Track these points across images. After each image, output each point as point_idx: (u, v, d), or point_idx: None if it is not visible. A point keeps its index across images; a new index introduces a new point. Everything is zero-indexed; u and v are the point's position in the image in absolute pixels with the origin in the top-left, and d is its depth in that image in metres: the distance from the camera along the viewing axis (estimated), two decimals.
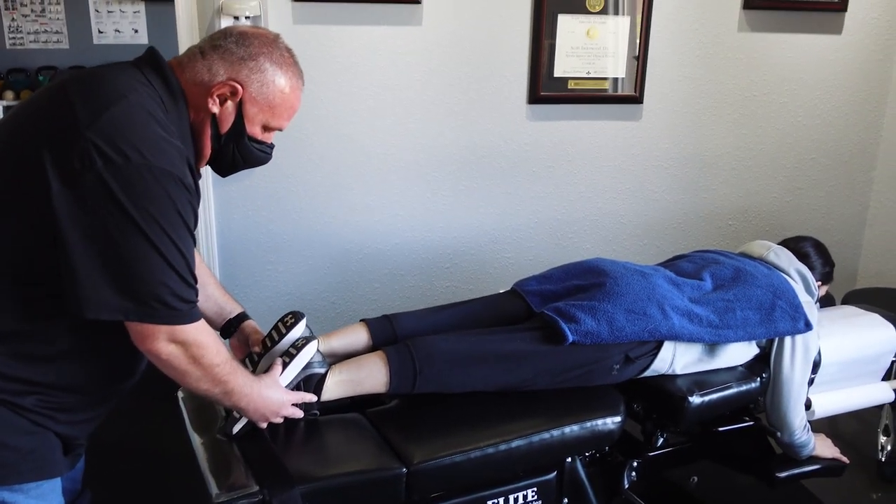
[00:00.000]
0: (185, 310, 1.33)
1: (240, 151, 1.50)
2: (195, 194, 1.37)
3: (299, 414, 1.67)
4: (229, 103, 1.45)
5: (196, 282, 1.37)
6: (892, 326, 2.34)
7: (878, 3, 3.11)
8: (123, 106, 1.29)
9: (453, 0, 2.74)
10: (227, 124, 1.46)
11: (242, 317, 1.84)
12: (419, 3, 2.69)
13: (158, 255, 1.27)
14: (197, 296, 1.37)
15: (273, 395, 1.61)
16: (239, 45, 1.44)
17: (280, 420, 1.65)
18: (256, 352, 1.74)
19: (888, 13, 3.13)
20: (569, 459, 1.90)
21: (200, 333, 1.38)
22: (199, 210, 2.75)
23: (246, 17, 2.48)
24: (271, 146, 1.56)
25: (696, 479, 2.37)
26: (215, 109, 1.44)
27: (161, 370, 1.40)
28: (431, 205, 2.93)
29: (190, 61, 1.44)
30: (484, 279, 3.06)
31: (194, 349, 1.37)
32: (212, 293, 1.80)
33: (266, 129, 1.52)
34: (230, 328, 1.82)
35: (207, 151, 1.49)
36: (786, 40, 3.07)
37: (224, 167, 1.55)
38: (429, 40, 2.76)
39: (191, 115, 1.44)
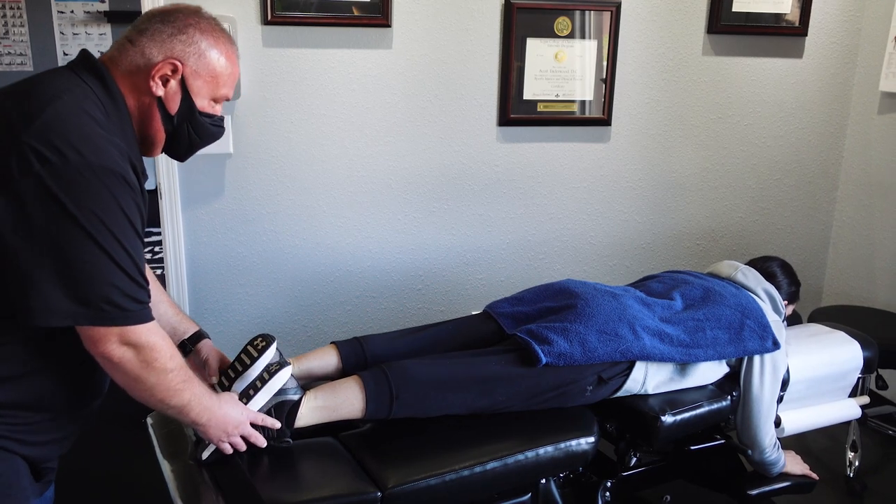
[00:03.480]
0: (136, 310, 1.30)
1: (194, 129, 1.48)
2: (140, 193, 1.34)
3: (261, 440, 1.63)
4: (172, 82, 1.42)
5: (147, 283, 1.33)
6: (857, 344, 2.38)
7: (837, 27, 3.20)
8: (58, 106, 1.26)
9: (423, 24, 2.76)
10: (175, 104, 1.43)
11: (198, 336, 1.76)
12: (389, 26, 2.71)
13: (105, 255, 1.24)
14: (149, 297, 1.34)
15: (232, 412, 1.57)
16: (165, 23, 1.42)
17: (239, 440, 1.60)
18: (220, 381, 1.70)
19: (847, 37, 3.22)
20: (543, 481, 1.90)
21: (153, 335, 1.34)
22: (168, 232, 2.73)
23: None
24: (222, 118, 1.54)
25: (668, 497, 2.38)
26: (160, 92, 1.41)
27: (114, 379, 1.36)
28: (402, 227, 2.94)
29: (121, 53, 1.41)
30: (455, 300, 3.07)
31: (147, 352, 1.33)
32: (164, 311, 1.72)
33: (214, 100, 1.50)
34: (185, 349, 1.74)
35: (161, 136, 1.46)
36: (749, 64, 3.14)
37: (181, 149, 1.51)
38: (399, 63, 2.77)
39: (134, 107, 1.41)
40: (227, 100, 1.52)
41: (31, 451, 1.37)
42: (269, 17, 2.59)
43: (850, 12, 3.19)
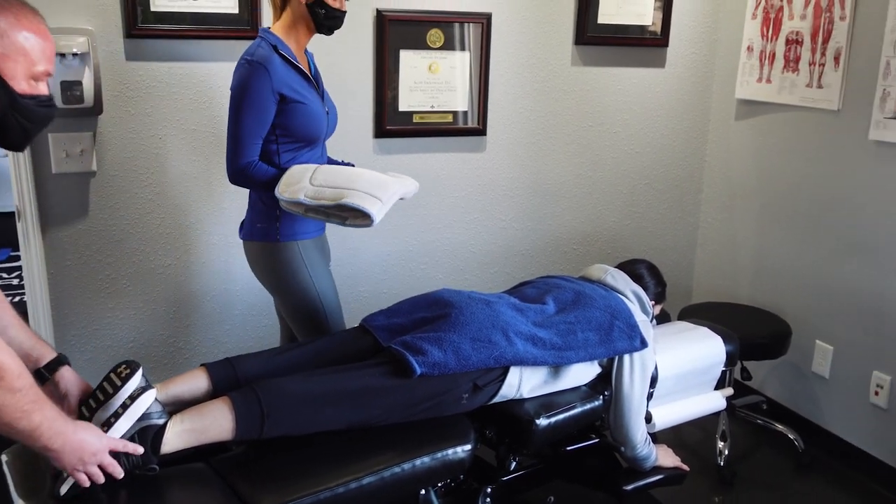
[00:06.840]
0: None
1: (21, 115, 1.41)
2: None
3: (118, 470, 1.54)
4: None
5: None
6: (719, 339, 2.51)
7: (696, 39, 3.37)
8: None
9: None
10: None
11: (57, 362, 1.64)
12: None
13: None
14: None
15: (90, 438, 1.48)
16: None
17: (96, 470, 1.51)
18: (81, 412, 1.61)
19: (704, 48, 3.39)
20: (423, 491, 1.91)
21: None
22: (26, 256, 2.58)
23: (73, 54, 2.38)
24: (49, 97, 1.47)
25: (553, 499, 2.43)
26: None
27: None
28: None
29: None
30: None
31: None
32: (14, 336, 1.59)
33: (34, 79, 1.43)
34: (41, 379, 1.61)
35: None
36: (615, 74, 3.26)
37: (15, 138, 1.44)
38: None
39: None
40: (49, 75, 1.45)
41: None
42: (133, 30, 2.51)
43: (706, 24, 3.36)
